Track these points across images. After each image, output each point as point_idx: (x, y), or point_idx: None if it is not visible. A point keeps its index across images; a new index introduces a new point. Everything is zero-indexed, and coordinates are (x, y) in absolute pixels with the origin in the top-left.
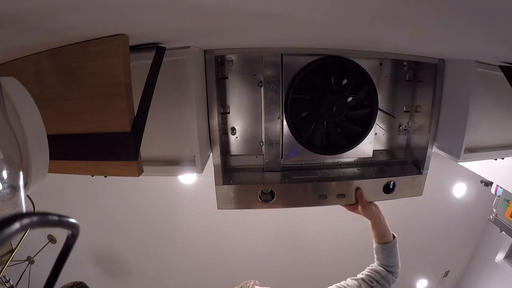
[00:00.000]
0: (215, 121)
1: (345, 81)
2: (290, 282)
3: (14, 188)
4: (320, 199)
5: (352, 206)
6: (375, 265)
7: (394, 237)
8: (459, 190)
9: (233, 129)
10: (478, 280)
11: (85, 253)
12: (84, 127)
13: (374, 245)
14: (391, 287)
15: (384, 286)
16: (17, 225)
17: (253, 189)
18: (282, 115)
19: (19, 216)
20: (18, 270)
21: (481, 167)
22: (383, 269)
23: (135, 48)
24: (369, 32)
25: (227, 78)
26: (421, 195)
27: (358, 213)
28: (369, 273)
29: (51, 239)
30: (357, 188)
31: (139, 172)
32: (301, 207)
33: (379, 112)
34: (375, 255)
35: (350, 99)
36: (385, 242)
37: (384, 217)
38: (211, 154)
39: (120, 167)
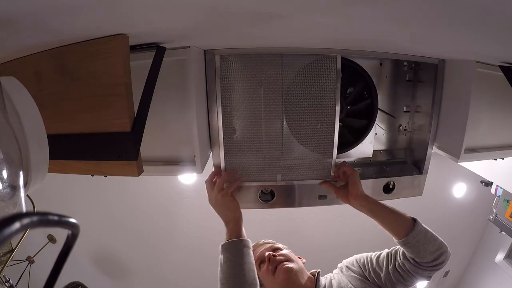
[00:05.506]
0: (215, 121)
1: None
2: None
3: (14, 187)
4: (320, 199)
5: (339, 191)
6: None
7: (414, 222)
8: (459, 190)
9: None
10: (478, 280)
11: (85, 253)
12: (84, 127)
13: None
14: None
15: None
16: (17, 225)
17: (253, 189)
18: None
19: (19, 216)
20: (18, 270)
21: (481, 167)
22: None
23: (135, 48)
24: (371, 33)
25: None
26: (421, 195)
27: (347, 202)
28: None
29: (51, 239)
30: (343, 162)
31: (139, 171)
32: (301, 207)
33: (379, 112)
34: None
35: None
36: (403, 235)
37: (382, 204)
38: (211, 154)
39: (120, 167)
